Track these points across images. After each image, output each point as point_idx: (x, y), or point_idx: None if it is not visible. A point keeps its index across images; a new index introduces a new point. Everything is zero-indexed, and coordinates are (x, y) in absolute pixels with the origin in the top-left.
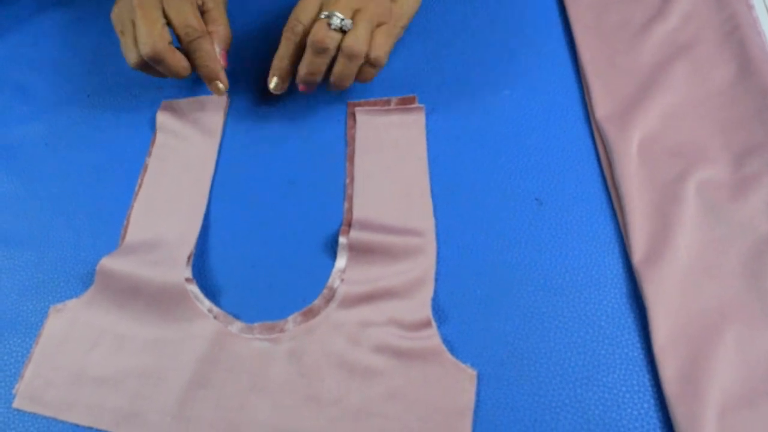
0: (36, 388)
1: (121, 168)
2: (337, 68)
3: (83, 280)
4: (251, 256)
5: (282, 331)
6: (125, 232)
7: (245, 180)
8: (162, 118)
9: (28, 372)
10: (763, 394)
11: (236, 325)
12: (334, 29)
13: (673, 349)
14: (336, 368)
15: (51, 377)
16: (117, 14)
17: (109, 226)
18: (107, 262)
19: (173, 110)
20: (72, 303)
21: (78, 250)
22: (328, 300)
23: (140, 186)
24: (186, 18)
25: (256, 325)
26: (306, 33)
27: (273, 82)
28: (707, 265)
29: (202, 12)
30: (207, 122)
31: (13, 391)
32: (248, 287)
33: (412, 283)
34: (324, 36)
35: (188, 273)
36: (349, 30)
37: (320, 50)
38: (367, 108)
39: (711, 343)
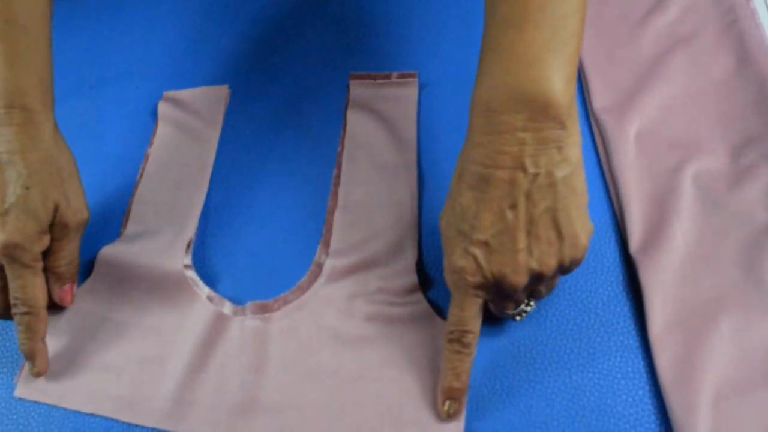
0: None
1: (122, 158)
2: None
3: (84, 269)
4: (250, 243)
5: (273, 310)
6: (126, 221)
7: (244, 169)
8: (164, 108)
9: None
10: (757, 383)
11: (228, 307)
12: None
13: (669, 337)
14: (330, 341)
15: (52, 365)
16: None
17: (110, 216)
18: (107, 251)
19: (175, 101)
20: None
21: None
22: (316, 276)
23: (141, 176)
24: (20, 288)
25: (248, 305)
26: (476, 337)
27: (450, 407)
28: (704, 254)
29: (51, 240)
30: (208, 113)
31: (15, 380)
32: (247, 273)
33: (396, 251)
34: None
35: (188, 260)
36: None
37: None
38: (361, 81)
39: (706, 331)
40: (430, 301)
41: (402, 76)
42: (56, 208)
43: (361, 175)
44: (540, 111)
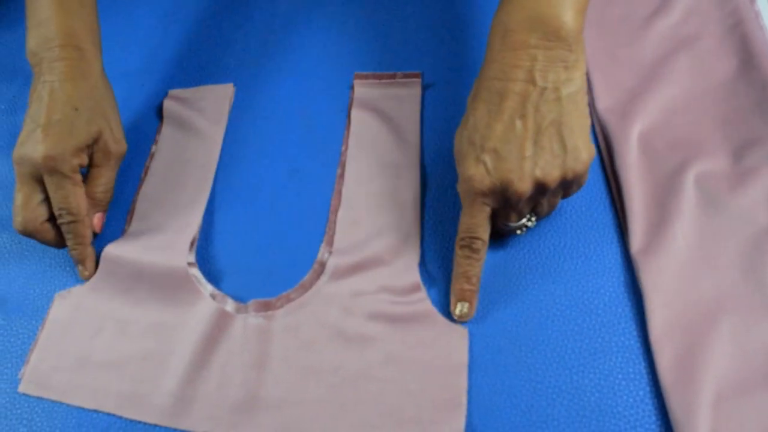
0: (41, 373)
1: (127, 155)
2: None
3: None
4: (253, 240)
5: (276, 308)
6: (130, 218)
7: (248, 167)
8: (168, 106)
9: (34, 357)
10: (757, 384)
11: (231, 304)
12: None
13: (669, 338)
14: (332, 338)
15: (56, 362)
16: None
17: (114, 214)
18: (111, 249)
19: (179, 99)
20: (77, 289)
21: None
22: (319, 274)
23: (146, 173)
24: (62, 198)
25: (250, 303)
26: (485, 244)
27: (463, 309)
28: (705, 255)
29: (90, 166)
30: (212, 111)
31: (19, 376)
32: (251, 271)
33: (399, 250)
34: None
35: (191, 258)
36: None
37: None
38: (366, 80)
39: (707, 332)
40: (433, 301)
41: (406, 76)
42: (100, 133)
43: (365, 175)
44: (552, 32)
